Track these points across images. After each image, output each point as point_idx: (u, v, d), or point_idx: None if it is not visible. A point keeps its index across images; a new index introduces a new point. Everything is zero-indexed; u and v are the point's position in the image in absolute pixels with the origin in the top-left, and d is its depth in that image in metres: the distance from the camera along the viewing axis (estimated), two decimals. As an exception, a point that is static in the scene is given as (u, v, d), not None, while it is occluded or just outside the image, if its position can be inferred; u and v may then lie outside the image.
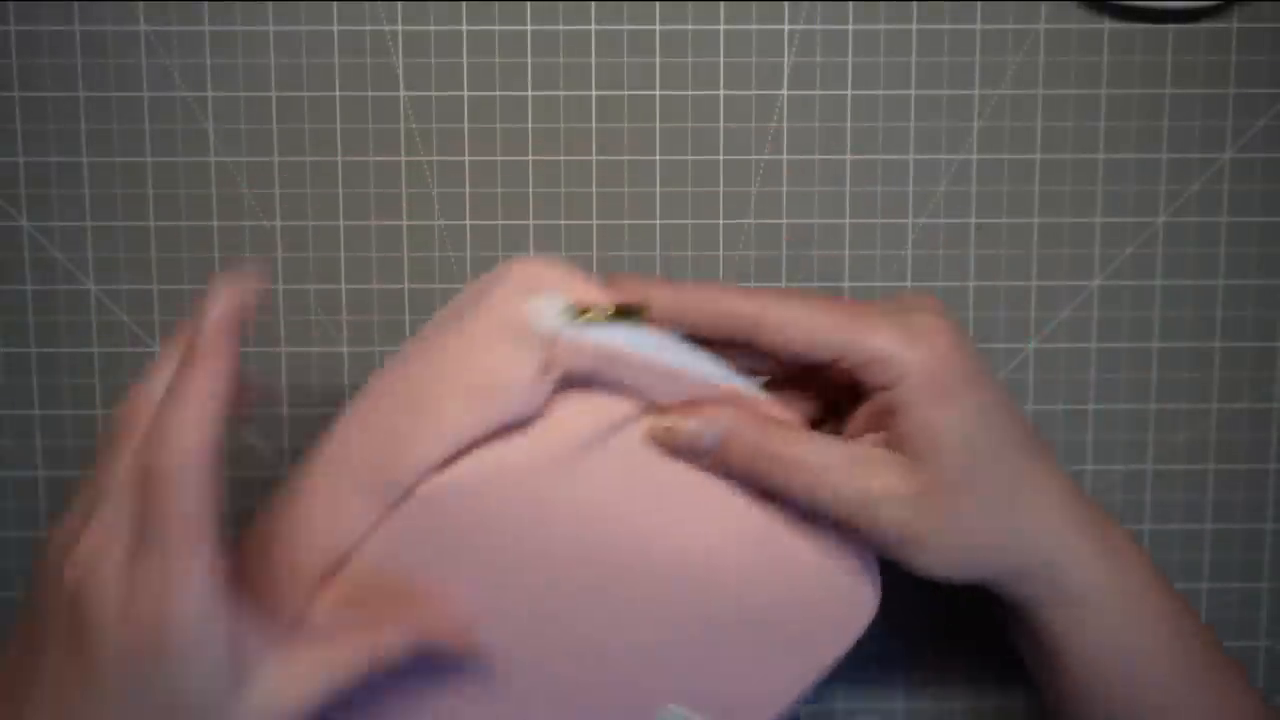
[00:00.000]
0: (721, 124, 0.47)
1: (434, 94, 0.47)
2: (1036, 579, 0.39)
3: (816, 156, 0.48)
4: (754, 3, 0.47)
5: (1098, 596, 0.39)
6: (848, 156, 0.48)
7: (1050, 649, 0.41)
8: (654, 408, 0.38)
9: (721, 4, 0.47)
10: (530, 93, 0.47)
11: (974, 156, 0.48)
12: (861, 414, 0.39)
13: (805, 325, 0.38)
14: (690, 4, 0.47)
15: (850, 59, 0.47)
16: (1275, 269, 0.48)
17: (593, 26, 0.47)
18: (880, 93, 0.47)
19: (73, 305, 0.48)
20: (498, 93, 0.47)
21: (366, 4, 0.47)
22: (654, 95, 0.47)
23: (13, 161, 0.48)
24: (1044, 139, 0.48)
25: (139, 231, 0.48)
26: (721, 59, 0.47)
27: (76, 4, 0.47)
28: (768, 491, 0.39)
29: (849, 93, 0.47)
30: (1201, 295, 0.48)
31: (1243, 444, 0.49)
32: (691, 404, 0.38)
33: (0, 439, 0.49)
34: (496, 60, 0.47)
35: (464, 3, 0.47)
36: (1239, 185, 0.48)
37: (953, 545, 0.38)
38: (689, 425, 0.38)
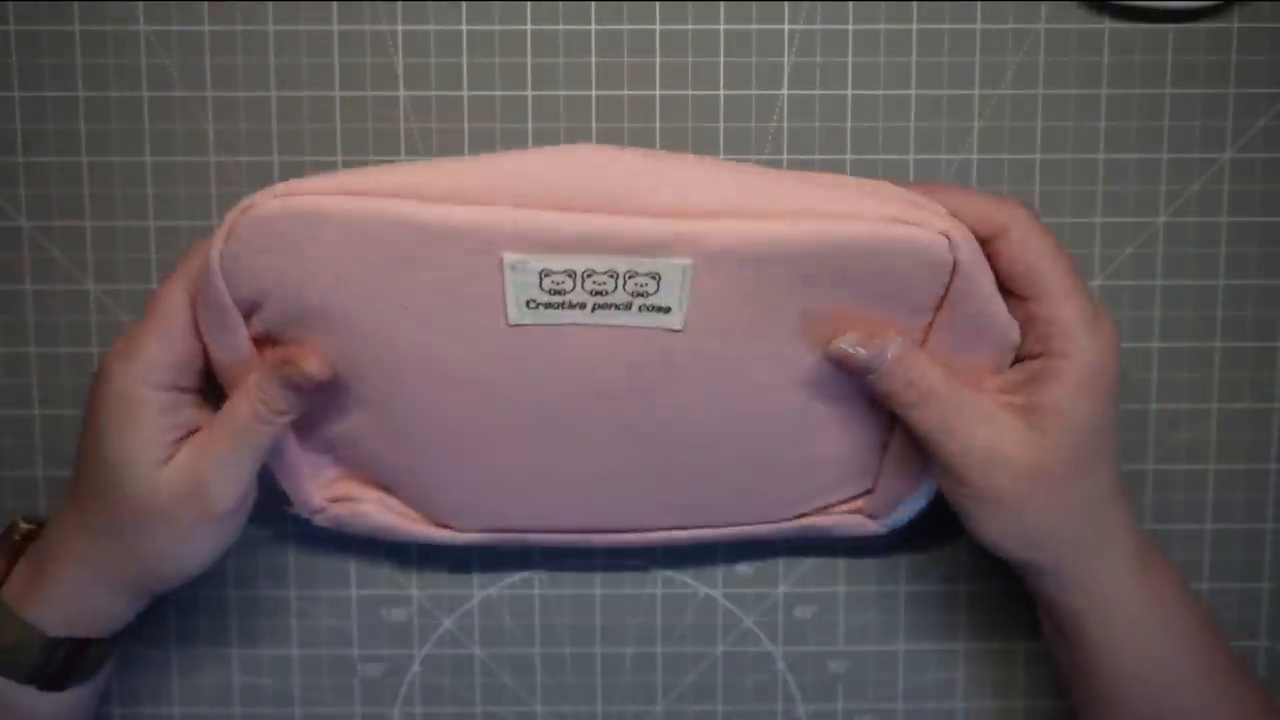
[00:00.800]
0: (721, 124, 0.47)
1: (434, 94, 0.47)
2: (1080, 586, 0.41)
3: (816, 156, 0.48)
4: (754, 2, 0.47)
5: (1137, 608, 0.41)
6: (848, 156, 0.48)
7: (1086, 656, 0.42)
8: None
9: (721, 4, 0.47)
10: (530, 92, 0.47)
11: (974, 156, 0.48)
12: (1012, 372, 0.41)
13: (1039, 253, 0.40)
14: (690, 4, 0.47)
15: (850, 59, 0.47)
16: (1275, 269, 0.48)
17: (593, 26, 0.47)
18: (880, 93, 0.47)
19: (73, 305, 0.48)
20: (497, 93, 0.47)
21: (366, 4, 0.47)
22: (654, 95, 0.47)
23: (13, 161, 0.48)
24: (1044, 139, 0.48)
25: (139, 231, 0.48)
26: (721, 59, 0.47)
27: (76, 4, 0.47)
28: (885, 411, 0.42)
29: (849, 93, 0.47)
30: (1202, 295, 0.48)
31: (1243, 444, 0.49)
32: (862, 323, 0.40)
33: (0, 439, 0.49)
34: (496, 60, 0.47)
35: (464, 3, 0.47)
36: (1239, 185, 0.48)
37: (1029, 524, 0.40)
38: (865, 348, 0.40)
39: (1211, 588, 0.50)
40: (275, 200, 0.38)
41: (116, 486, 0.41)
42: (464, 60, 0.47)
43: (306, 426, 0.44)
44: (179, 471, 0.41)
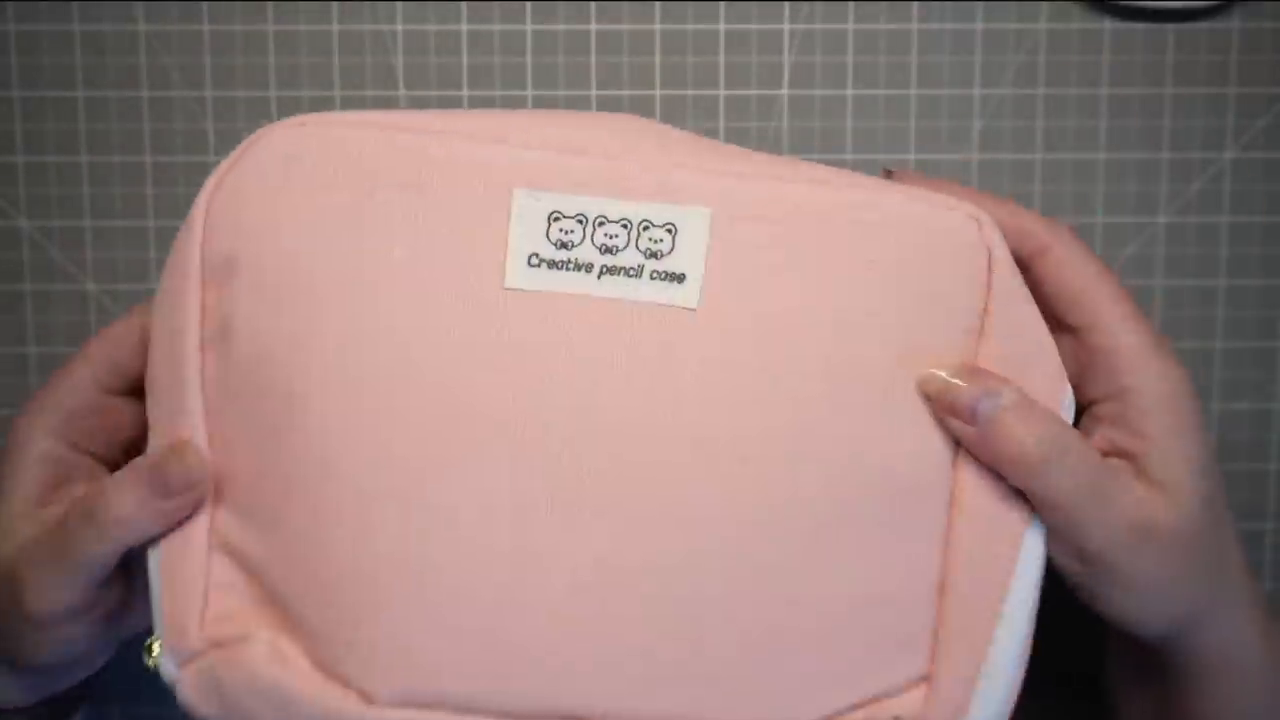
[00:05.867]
0: (721, 124, 0.47)
1: (434, 94, 0.47)
2: (1208, 644, 0.36)
3: (817, 156, 0.47)
4: (754, 2, 0.47)
5: (1236, 672, 0.36)
6: (848, 156, 0.48)
7: (1202, 714, 0.37)
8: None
9: (721, 4, 0.47)
10: (530, 92, 0.47)
11: (974, 156, 0.48)
12: (1087, 420, 0.36)
13: (1084, 275, 0.35)
14: (690, 4, 0.47)
15: (850, 59, 0.47)
16: (1276, 269, 0.48)
17: (592, 26, 0.47)
18: (880, 93, 0.47)
19: (73, 305, 0.48)
20: (498, 93, 0.47)
21: (366, 4, 0.47)
22: (654, 95, 0.47)
23: (12, 161, 0.48)
24: (1045, 139, 0.48)
25: (138, 231, 0.48)
26: (721, 59, 0.47)
27: (76, 4, 0.47)
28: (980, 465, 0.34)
29: (849, 92, 0.47)
30: (1202, 295, 0.48)
31: (1243, 444, 0.49)
32: (971, 366, 0.34)
33: (0, 439, 0.49)
34: (496, 60, 0.47)
35: (464, 3, 0.47)
36: (1240, 185, 0.48)
37: (1177, 595, 0.35)
38: (969, 390, 0.33)
39: (1212, 588, 0.50)
40: (294, 127, 0.35)
41: None
42: (464, 60, 0.47)
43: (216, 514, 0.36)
44: (26, 534, 0.35)
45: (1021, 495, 0.34)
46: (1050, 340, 0.35)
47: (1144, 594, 0.34)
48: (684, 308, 0.34)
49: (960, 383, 0.33)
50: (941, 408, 0.33)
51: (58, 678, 0.40)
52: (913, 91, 0.47)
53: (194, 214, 0.35)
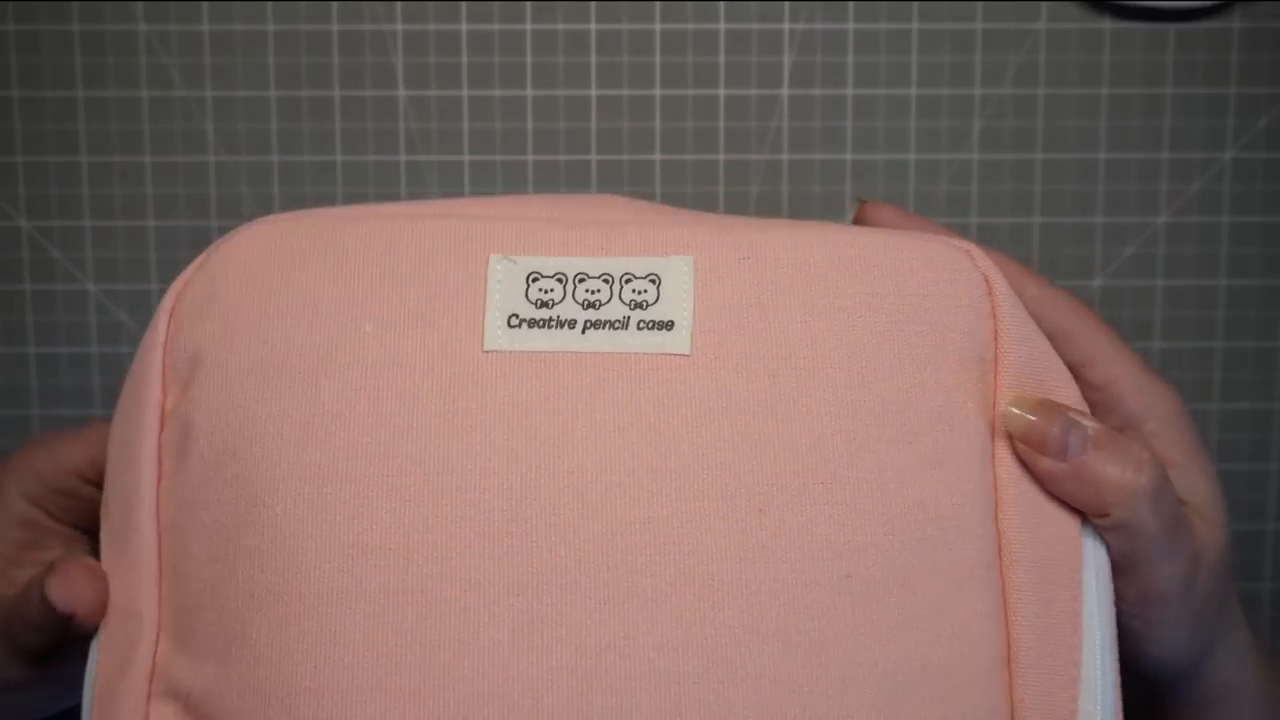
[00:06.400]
0: (721, 124, 0.47)
1: (433, 93, 0.47)
2: (1213, 674, 0.36)
3: (816, 156, 0.47)
4: (754, 2, 0.47)
5: (1237, 700, 0.36)
6: (848, 156, 0.48)
7: None
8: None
9: (721, 4, 0.47)
10: (530, 92, 0.47)
11: (975, 156, 0.48)
12: None
13: (1069, 309, 0.35)
14: (690, 4, 0.47)
15: (850, 59, 0.47)
16: (1276, 269, 0.48)
17: (592, 26, 0.47)
18: (880, 92, 0.47)
19: (72, 305, 0.48)
20: (497, 92, 0.47)
21: (366, 4, 0.47)
22: (654, 95, 0.47)
23: (12, 161, 0.48)
24: (1045, 139, 0.48)
25: (138, 231, 0.48)
26: (721, 59, 0.47)
27: (76, 4, 0.47)
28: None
29: (849, 92, 0.47)
30: (1202, 295, 0.48)
31: (1243, 444, 0.49)
32: (1041, 400, 0.32)
33: (0, 439, 0.49)
34: (496, 59, 0.47)
35: (464, 2, 0.47)
36: (1240, 185, 0.48)
37: (1208, 625, 0.34)
38: (1059, 424, 0.31)
39: (1212, 588, 0.50)
40: (261, 225, 0.33)
41: None
42: (464, 60, 0.47)
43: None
44: None
45: (1071, 540, 0.32)
46: (1061, 362, 0.33)
47: (1190, 628, 0.33)
48: (676, 354, 0.31)
49: (1042, 419, 0.31)
50: (1031, 445, 0.31)
51: (33, 712, 0.39)
52: (913, 91, 0.47)
53: (158, 317, 0.33)
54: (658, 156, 0.48)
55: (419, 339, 0.31)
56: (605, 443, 0.31)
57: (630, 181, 0.48)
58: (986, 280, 0.33)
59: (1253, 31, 0.47)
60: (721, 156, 0.47)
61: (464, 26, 0.47)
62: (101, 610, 0.32)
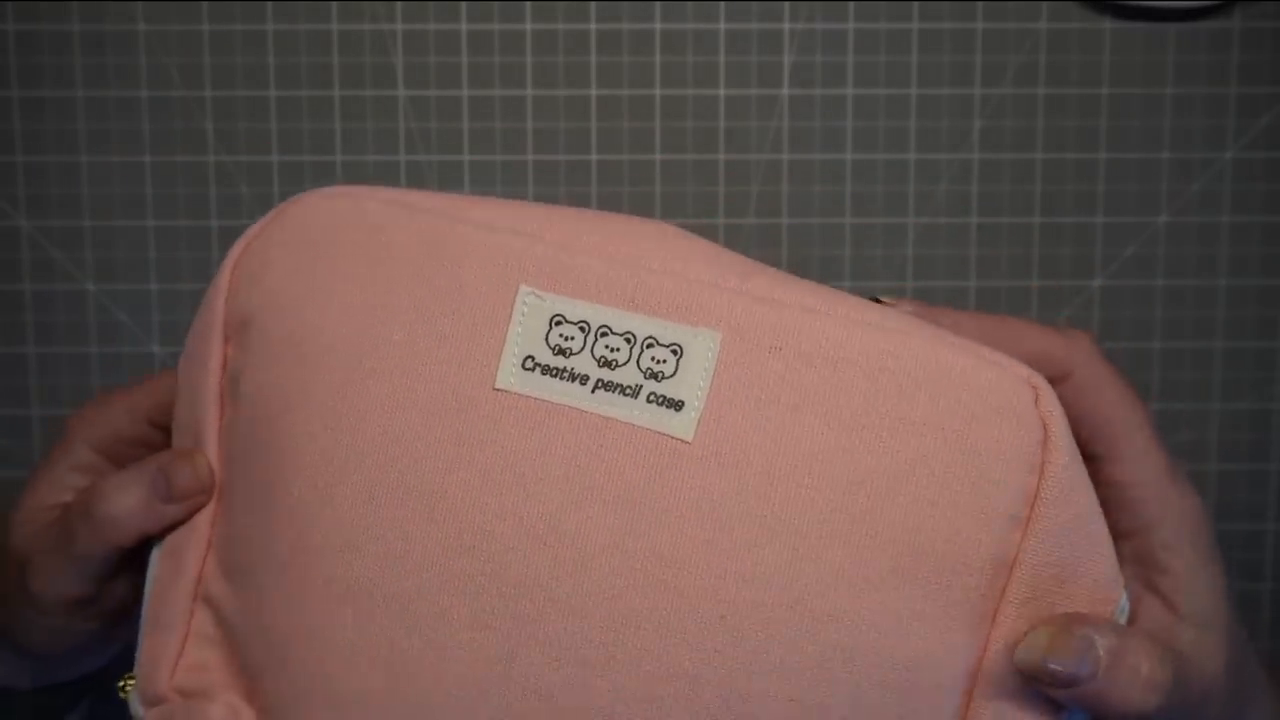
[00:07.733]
0: (721, 124, 0.47)
1: (433, 93, 0.47)
2: None
3: (817, 156, 0.47)
4: (754, 2, 0.47)
5: None
6: (848, 156, 0.48)
7: None
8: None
9: (721, 4, 0.47)
10: (530, 92, 0.47)
11: (975, 156, 0.48)
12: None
13: (1106, 402, 0.33)
14: (690, 4, 0.47)
15: (850, 58, 0.47)
16: (1276, 269, 0.48)
17: (592, 26, 0.47)
18: (881, 92, 0.47)
19: (72, 305, 0.48)
20: (497, 92, 0.47)
21: (366, 4, 0.47)
22: (654, 95, 0.47)
23: (12, 161, 0.48)
24: (1045, 139, 0.48)
25: (138, 231, 0.48)
26: (721, 59, 0.47)
27: (76, 4, 0.47)
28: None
29: (849, 92, 0.47)
30: (1202, 295, 0.48)
31: (1243, 444, 0.49)
32: (1055, 618, 0.30)
33: (2, 440, 0.49)
34: (495, 59, 0.47)
35: (464, 2, 0.47)
36: (1240, 185, 0.48)
37: None
38: (1068, 664, 0.29)
39: (1212, 588, 0.50)
40: (326, 198, 0.34)
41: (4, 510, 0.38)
42: (464, 60, 0.47)
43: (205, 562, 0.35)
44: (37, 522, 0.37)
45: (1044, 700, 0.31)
46: (1108, 536, 0.31)
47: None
48: (678, 438, 0.31)
49: (1058, 667, 0.29)
50: (1040, 684, 0.30)
51: (61, 667, 0.40)
52: (913, 91, 0.47)
53: (221, 271, 0.35)
54: (658, 156, 0.48)
55: (438, 361, 0.32)
56: (587, 512, 0.31)
57: (630, 181, 0.48)
58: (1045, 428, 0.30)
59: (1253, 31, 0.47)
60: (721, 156, 0.47)
61: (464, 26, 0.47)
62: (211, 491, 0.34)
